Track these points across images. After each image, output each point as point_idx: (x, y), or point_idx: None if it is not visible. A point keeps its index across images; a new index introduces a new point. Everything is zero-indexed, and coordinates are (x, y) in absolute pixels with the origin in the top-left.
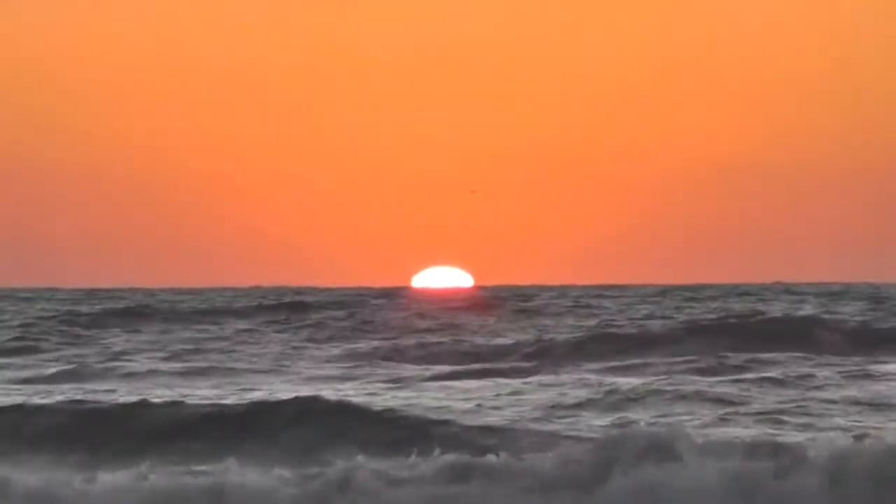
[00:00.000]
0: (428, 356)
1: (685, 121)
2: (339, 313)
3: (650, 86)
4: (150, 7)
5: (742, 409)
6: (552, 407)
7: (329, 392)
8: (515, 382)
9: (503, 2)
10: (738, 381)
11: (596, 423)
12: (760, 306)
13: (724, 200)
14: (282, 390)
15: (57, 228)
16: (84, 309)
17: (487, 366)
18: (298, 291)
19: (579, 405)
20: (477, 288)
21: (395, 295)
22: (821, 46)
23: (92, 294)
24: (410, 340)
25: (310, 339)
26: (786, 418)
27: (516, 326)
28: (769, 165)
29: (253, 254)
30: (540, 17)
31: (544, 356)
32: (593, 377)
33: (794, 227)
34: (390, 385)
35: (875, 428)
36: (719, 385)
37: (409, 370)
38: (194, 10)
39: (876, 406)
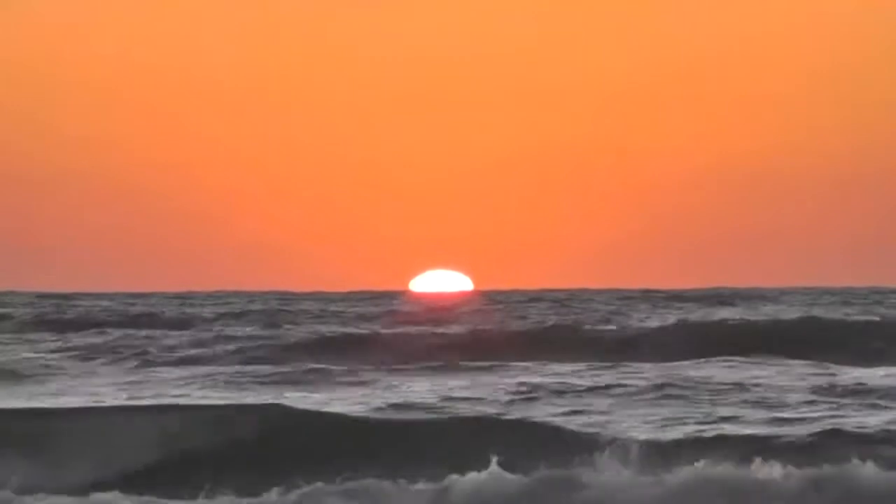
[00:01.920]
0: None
1: (693, 124)
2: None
3: (654, 89)
4: (151, 8)
5: None
6: None
7: None
8: None
9: (507, 5)
10: None
11: None
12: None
13: (731, 204)
14: None
15: (51, 233)
16: None
17: None
18: (285, 297)
19: None
20: (476, 292)
21: (376, 301)
22: (841, 47)
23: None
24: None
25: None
26: None
27: None
28: (781, 169)
29: (250, 257)
30: (544, 18)
31: None
32: None
33: (808, 231)
34: None
35: None
36: None
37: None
38: (194, 13)
39: None
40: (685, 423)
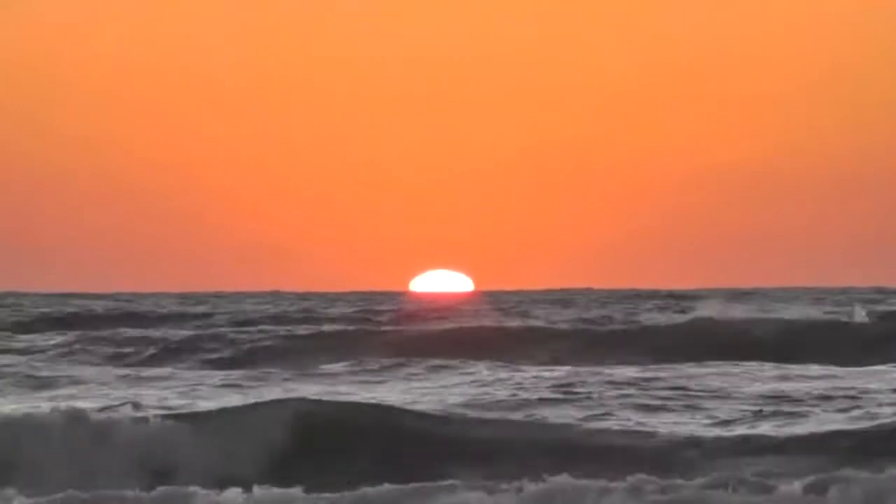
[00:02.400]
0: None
1: (693, 124)
2: None
3: (654, 89)
4: (151, 8)
5: None
6: None
7: None
8: None
9: (507, 5)
10: None
11: None
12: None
13: (731, 204)
14: None
15: (51, 233)
16: None
17: None
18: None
19: None
20: (476, 292)
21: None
22: (841, 47)
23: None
24: None
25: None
26: None
27: None
28: (781, 169)
29: (250, 258)
30: (544, 18)
31: None
32: None
33: (809, 231)
34: None
35: None
36: None
37: None
38: (194, 13)
39: None
40: (684, 423)
